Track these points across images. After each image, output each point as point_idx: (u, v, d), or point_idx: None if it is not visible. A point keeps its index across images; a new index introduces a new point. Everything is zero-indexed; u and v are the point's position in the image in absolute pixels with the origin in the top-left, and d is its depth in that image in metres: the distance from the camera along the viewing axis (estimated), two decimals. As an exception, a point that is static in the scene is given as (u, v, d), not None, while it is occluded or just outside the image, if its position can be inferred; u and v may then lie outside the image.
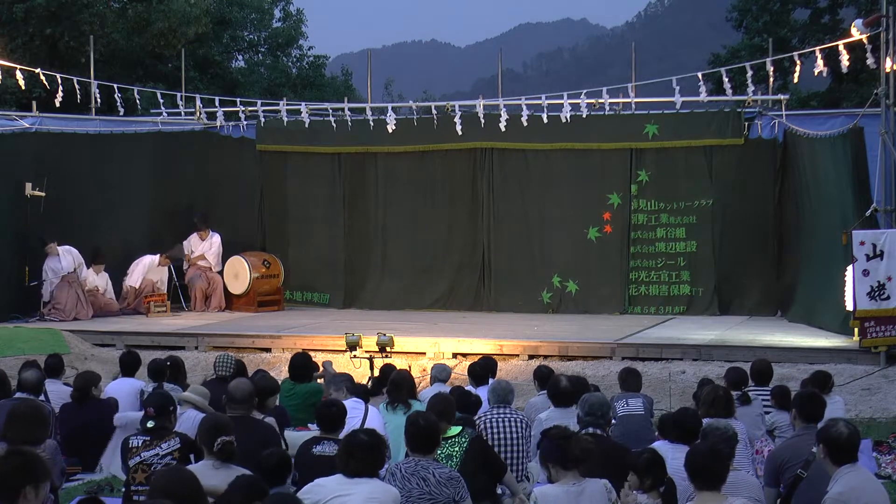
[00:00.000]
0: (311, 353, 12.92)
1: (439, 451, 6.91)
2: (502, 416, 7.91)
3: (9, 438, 6.82)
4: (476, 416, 8.04)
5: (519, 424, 7.90)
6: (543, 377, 9.49)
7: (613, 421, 8.11)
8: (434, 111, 17.24)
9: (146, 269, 17.26)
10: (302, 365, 10.06)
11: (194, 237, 17.81)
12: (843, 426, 6.08)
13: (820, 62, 14.73)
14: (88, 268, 16.67)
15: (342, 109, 17.67)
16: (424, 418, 6.38)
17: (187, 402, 8.41)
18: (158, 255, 17.29)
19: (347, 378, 9.09)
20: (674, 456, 6.70)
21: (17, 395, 9.11)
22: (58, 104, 17.09)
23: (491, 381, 9.91)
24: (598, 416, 7.11)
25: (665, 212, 16.64)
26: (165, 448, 7.23)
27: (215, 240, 17.81)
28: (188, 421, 8.10)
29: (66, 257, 16.17)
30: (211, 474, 6.28)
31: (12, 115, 16.91)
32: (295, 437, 8.02)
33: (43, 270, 16.11)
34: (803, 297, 15.07)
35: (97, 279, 16.83)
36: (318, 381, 10.34)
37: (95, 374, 9.93)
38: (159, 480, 5.36)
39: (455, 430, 7.20)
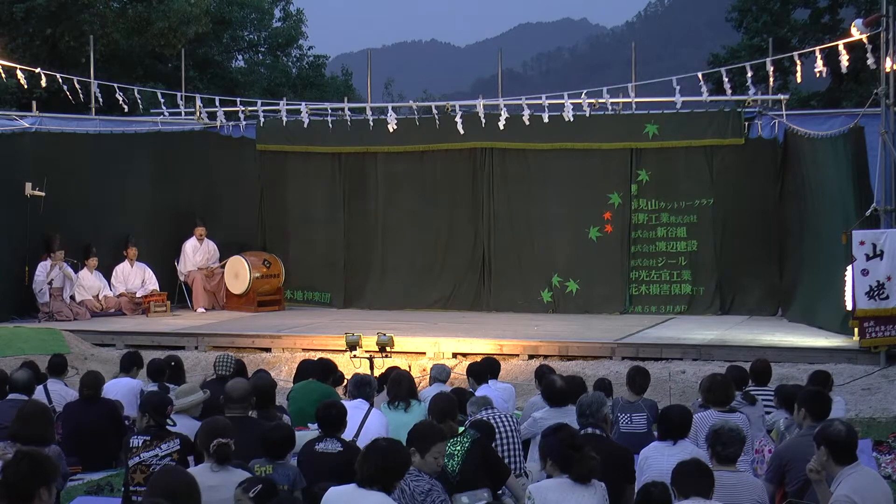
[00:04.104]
0: (311, 353, 13.00)
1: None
2: (491, 414, 7.94)
3: (19, 437, 6.88)
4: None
5: (510, 420, 7.95)
6: (543, 377, 9.48)
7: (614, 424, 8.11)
8: (434, 111, 17.23)
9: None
10: (325, 368, 10.00)
11: (189, 246, 17.79)
12: (840, 424, 6.09)
13: (820, 62, 14.72)
14: (81, 269, 16.66)
15: (342, 109, 17.66)
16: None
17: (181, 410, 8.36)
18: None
19: (369, 382, 8.98)
20: (670, 453, 6.70)
21: (10, 396, 9.14)
22: (67, 101, 17.09)
23: (491, 381, 9.92)
24: (588, 416, 7.07)
25: (665, 211, 16.64)
26: (165, 449, 7.24)
27: (212, 245, 17.98)
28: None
29: (59, 273, 16.12)
30: (209, 476, 6.31)
31: (12, 115, 16.91)
32: (297, 437, 8.02)
33: (40, 267, 16.08)
34: (803, 297, 15.07)
35: (90, 278, 16.82)
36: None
37: (101, 374, 9.96)
38: (157, 480, 5.39)
39: (459, 429, 7.20)
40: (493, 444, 7.48)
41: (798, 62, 15.47)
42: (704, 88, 15.93)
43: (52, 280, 16.00)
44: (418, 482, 6.14)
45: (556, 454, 6.09)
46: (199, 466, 6.55)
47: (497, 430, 7.70)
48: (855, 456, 5.99)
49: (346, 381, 10.56)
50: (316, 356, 11.75)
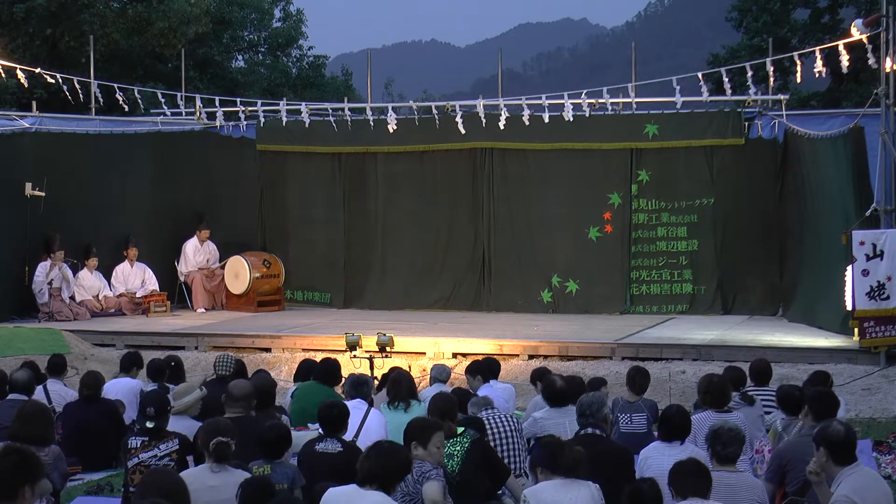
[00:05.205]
0: (311, 353, 13.00)
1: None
2: (492, 414, 7.95)
3: (19, 437, 6.89)
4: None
5: (511, 420, 7.96)
6: (542, 377, 9.47)
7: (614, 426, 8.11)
8: (434, 111, 17.23)
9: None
10: (332, 371, 9.96)
11: (190, 246, 17.79)
12: (839, 424, 6.09)
13: (820, 62, 14.71)
14: (81, 269, 16.67)
15: (342, 109, 17.66)
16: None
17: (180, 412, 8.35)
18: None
19: (365, 381, 8.96)
20: (670, 453, 6.70)
21: (10, 396, 9.14)
22: (66, 101, 17.11)
23: (493, 382, 9.92)
24: (589, 416, 7.09)
25: (666, 211, 16.64)
26: (164, 449, 7.25)
27: (213, 247, 18.00)
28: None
29: (59, 274, 16.11)
30: (209, 476, 6.30)
31: (12, 115, 16.91)
32: (297, 437, 8.04)
33: (40, 267, 16.08)
34: (803, 297, 15.07)
35: (90, 278, 16.81)
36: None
37: (101, 374, 9.96)
38: (147, 482, 5.42)
39: (458, 430, 7.21)
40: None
41: (798, 62, 15.46)
42: (704, 88, 15.93)
43: (51, 280, 16.00)
44: (419, 468, 6.23)
45: (542, 458, 6.17)
46: (200, 467, 6.56)
47: (490, 430, 7.71)
48: (854, 456, 6.00)
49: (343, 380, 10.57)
50: (316, 356, 11.74)
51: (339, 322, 15.64)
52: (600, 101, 16.55)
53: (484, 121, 16.55)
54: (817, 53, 14.82)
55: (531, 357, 13.53)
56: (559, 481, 6.01)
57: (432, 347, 13.84)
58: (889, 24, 13.27)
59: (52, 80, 17.09)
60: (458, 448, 7.01)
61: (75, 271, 16.55)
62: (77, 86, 17.21)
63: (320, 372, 9.90)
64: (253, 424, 7.53)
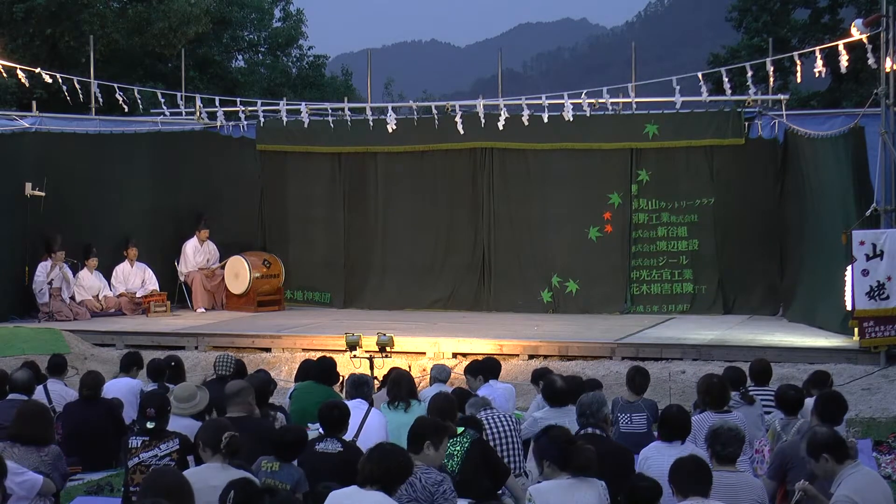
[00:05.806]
0: (311, 353, 13.00)
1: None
2: (491, 414, 7.96)
3: (19, 437, 6.89)
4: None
5: (510, 420, 7.97)
6: (542, 377, 9.47)
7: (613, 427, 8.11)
8: (434, 111, 17.24)
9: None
10: (328, 370, 9.95)
11: (190, 246, 17.79)
12: (821, 428, 6.18)
13: (820, 62, 14.71)
14: (81, 269, 16.67)
15: (342, 109, 17.67)
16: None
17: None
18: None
19: (366, 381, 8.95)
20: (670, 453, 6.70)
21: (10, 396, 9.14)
22: (66, 101, 17.13)
23: (493, 382, 9.91)
24: (588, 416, 7.10)
25: (666, 211, 16.64)
26: (164, 449, 7.24)
27: (213, 247, 18.00)
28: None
29: (59, 274, 16.11)
30: (212, 476, 6.28)
31: (12, 115, 16.90)
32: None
33: (40, 267, 16.08)
34: (803, 297, 15.07)
35: (90, 278, 16.81)
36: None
37: (101, 374, 9.96)
38: (150, 481, 5.40)
39: (458, 430, 7.21)
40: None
41: (798, 62, 15.47)
42: (704, 88, 15.94)
43: (52, 280, 16.00)
44: (429, 474, 6.20)
45: (551, 452, 6.12)
46: (205, 466, 6.53)
47: (490, 430, 7.70)
48: (850, 451, 6.03)
49: (342, 380, 10.56)
50: (316, 356, 11.74)
51: (339, 322, 15.64)
52: (600, 101, 16.56)
53: (483, 121, 16.56)
54: (817, 53, 14.82)
55: (531, 357, 13.54)
56: (566, 481, 5.98)
57: (432, 347, 13.84)
58: (889, 24, 13.28)
59: (52, 80, 17.08)
60: (458, 448, 7.01)
61: (75, 271, 16.56)
62: (77, 86, 17.22)
63: (317, 371, 9.90)
64: (254, 424, 7.53)
